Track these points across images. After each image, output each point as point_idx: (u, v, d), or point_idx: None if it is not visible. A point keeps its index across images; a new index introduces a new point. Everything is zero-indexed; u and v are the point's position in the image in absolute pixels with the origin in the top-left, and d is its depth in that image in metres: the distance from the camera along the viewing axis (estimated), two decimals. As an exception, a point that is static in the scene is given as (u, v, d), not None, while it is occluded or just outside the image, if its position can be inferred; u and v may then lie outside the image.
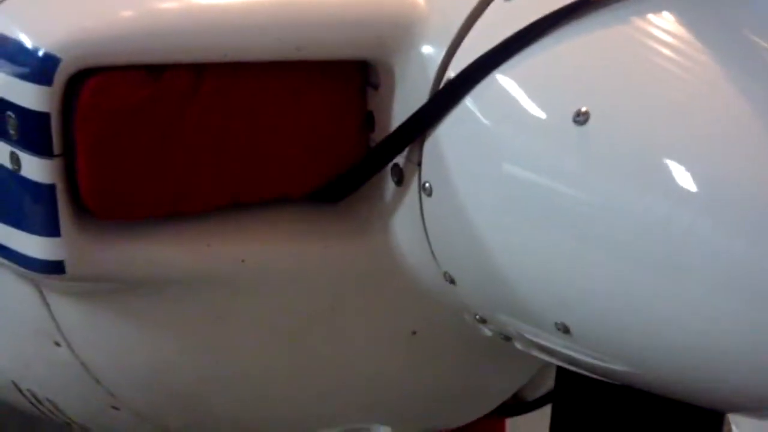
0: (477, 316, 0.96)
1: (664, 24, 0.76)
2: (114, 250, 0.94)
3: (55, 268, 0.92)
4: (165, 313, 1.03)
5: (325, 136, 0.97)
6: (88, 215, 0.92)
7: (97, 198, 0.91)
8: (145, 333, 1.04)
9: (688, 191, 0.69)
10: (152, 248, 0.95)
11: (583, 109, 0.74)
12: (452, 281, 0.93)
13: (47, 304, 1.02)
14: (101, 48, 0.88)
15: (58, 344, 1.06)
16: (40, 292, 1.01)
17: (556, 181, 0.78)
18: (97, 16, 0.90)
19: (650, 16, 0.76)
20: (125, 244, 0.95)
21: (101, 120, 0.88)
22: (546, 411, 1.28)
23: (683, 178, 0.69)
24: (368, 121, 0.97)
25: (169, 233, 0.96)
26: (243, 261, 0.98)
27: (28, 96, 0.87)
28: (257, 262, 0.98)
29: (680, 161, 0.69)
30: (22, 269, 0.96)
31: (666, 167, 0.70)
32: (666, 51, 0.75)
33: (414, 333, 1.05)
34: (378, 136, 0.96)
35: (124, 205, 0.93)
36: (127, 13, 0.90)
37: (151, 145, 0.91)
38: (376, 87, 0.96)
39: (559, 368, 1.07)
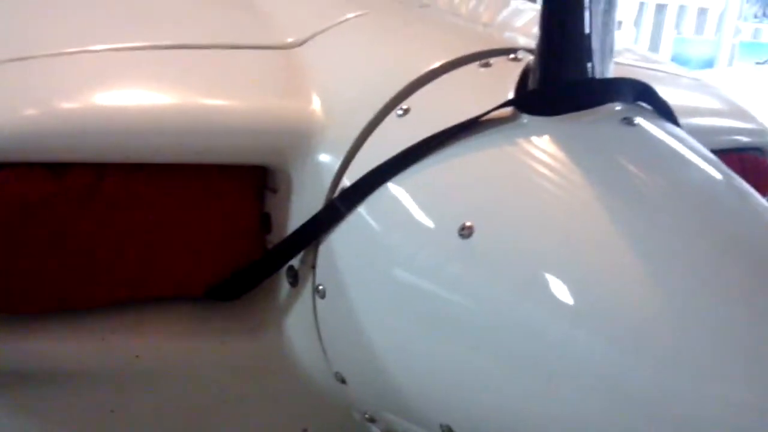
0: (366, 415, 0.99)
1: (545, 146, 0.80)
2: (4, 344, 0.94)
3: None
4: (57, 406, 1.02)
5: (222, 236, 0.99)
6: None
7: None
8: (36, 426, 1.03)
9: (563, 302, 0.72)
10: (45, 343, 0.96)
11: (468, 224, 0.78)
12: (343, 381, 0.95)
13: None
14: (4, 145, 0.88)
15: None
16: None
17: (442, 288, 0.81)
18: (3, 112, 0.91)
19: (533, 138, 0.81)
20: (17, 338, 0.94)
21: (1, 214, 0.89)
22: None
23: (559, 289, 0.73)
24: (265, 222, 1.00)
25: (62, 328, 0.96)
26: (137, 356, 0.98)
27: None
28: (151, 358, 0.99)
29: (556, 274, 0.73)
30: None
31: (544, 280, 0.74)
32: (546, 171, 0.79)
33: (305, 431, 1.07)
34: (274, 237, 0.99)
35: (19, 299, 0.93)
36: (31, 112, 0.91)
37: (49, 241, 0.91)
38: (274, 191, 0.99)
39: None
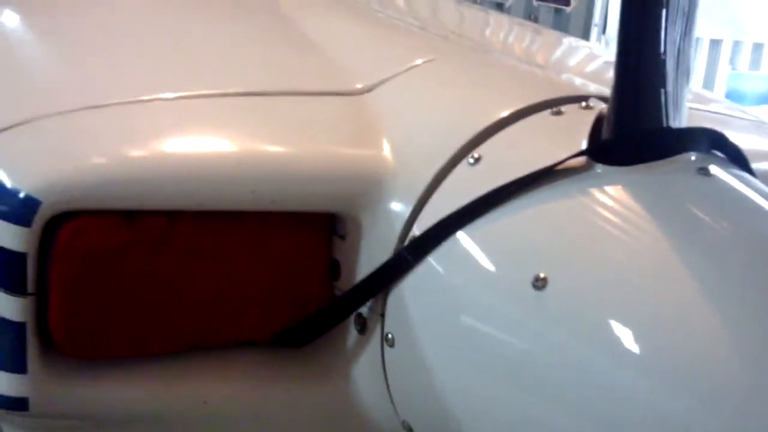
0: None
1: (620, 197, 0.80)
2: (78, 388, 0.95)
3: (18, 404, 0.93)
4: None
5: (290, 283, 0.99)
6: (55, 353, 0.93)
7: (67, 337, 0.92)
8: None
9: (637, 354, 0.72)
10: (116, 388, 0.96)
11: (542, 275, 0.77)
12: (410, 430, 0.95)
13: None
14: (81, 193, 0.90)
15: None
16: None
17: (514, 339, 0.80)
18: (78, 161, 0.92)
19: (608, 189, 0.80)
20: (89, 383, 0.96)
21: (78, 261, 0.90)
22: None
23: (633, 342, 0.72)
24: (333, 269, 1.00)
25: (133, 373, 0.97)
26: (205, 402, 0.99)
27: (7, 236, 0.89)
28: (219, 403, 1.00)
29: (630, 327, 0.73)
30: None
31: (618, 333, 0.73)
32: (621, 223, 0.79)
33: None
34: (342, 284, 0.99)
35: (93, 345, 0.94)
36: (106, 160, 0.93)
37: (123, 288, 0.93)
38: (342, 237, 0.99)
39: None
